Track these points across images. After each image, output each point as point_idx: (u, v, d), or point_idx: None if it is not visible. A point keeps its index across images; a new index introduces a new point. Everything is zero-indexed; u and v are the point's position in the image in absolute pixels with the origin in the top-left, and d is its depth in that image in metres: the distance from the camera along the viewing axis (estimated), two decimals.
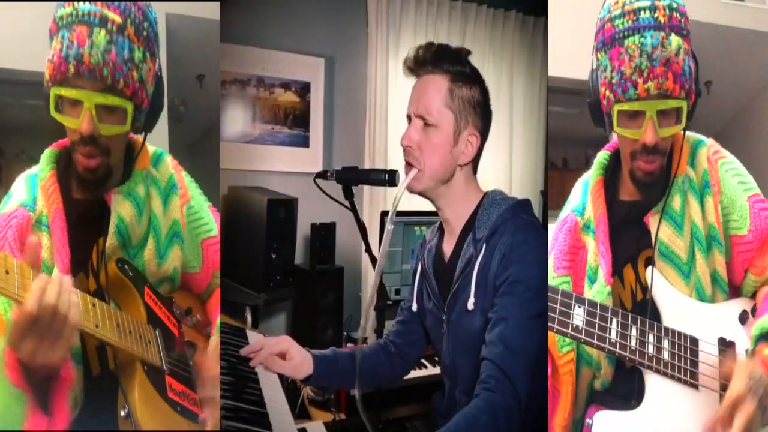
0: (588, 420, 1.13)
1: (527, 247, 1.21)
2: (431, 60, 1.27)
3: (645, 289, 1.21)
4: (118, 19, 0.99)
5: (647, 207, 1.22)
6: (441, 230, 1.40)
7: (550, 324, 1.12)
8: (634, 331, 1.13)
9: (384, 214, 2.54)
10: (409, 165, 1.29)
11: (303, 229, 2.48)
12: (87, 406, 1.03)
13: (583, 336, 1.11)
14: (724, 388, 1.11)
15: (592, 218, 1.24)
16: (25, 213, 1.03)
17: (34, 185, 1.07)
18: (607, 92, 1.13)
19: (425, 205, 1.66)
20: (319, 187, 1.46)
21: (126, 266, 1.10)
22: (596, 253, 1.21)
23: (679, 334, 1.15)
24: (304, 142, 2.78)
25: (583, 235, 1.26)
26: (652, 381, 1.13)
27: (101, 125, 1.00)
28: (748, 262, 1.22)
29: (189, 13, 2.49)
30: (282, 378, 1.59)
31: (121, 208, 1.09)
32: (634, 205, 1.24)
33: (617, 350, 1.12)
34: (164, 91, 1.14)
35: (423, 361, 2.27)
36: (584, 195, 1.28)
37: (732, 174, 1.22)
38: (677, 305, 1.18)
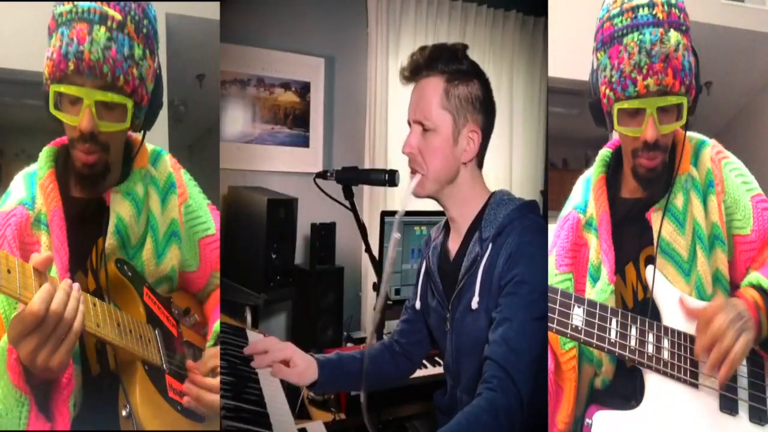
0: (588, 420, 1.13)
1: (534, 248, 1.20)
2: (425, 63, 1.27)
3: (646, 287, 1.21)
4: (118, 16, 0.99)
5: (649, 204, 1.22)
6: (446, 228, 1.40)
7: (549, 324, 1.12)
8: (633, 331, 1.13)
9: (384, 213, 2.54)
10: (413, 171, 1.29)
11: (303, 229, 2.48)
12: (88, 406, 1.03)
13: (582, 336, 1.11)
14: (726, 389, 1.11)
15: (595, 216, 1.24)
16: (24, 211, 1.03)
17: (33, 183, 1.07)
18: (607, 91, 1.13)
19: (425, 206, 1.66)
20: (319, 187, 1.46)
21: (125, 266, 1.09)
22: (598, 250, 1.21)
23: (679, 333, 1.15)
24: (304, 142, 2.78)
25: (585, 233, 1.26)
26: (652, 381, 1.13)
27: (101, 122, 1.00)
28: (751, 260, 1.22)
29: (189, 13, 2.49)
30: None
31: (120, 208, 1.09)
32: (636, 202, 1.25)
33: (617, 350, 1.12)
34: (164, 89, 1.14)
35: (423, 361, 2.27)
36: (586, 192, 1.28)
37: (735, 174, 1.22)
38: (677, 304, 1.18)
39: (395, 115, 2.85)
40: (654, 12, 1.10)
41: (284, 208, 2.30)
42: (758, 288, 1.13)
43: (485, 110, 1.29)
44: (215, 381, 1.08)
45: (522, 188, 3.28)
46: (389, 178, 1.41)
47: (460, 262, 1.29)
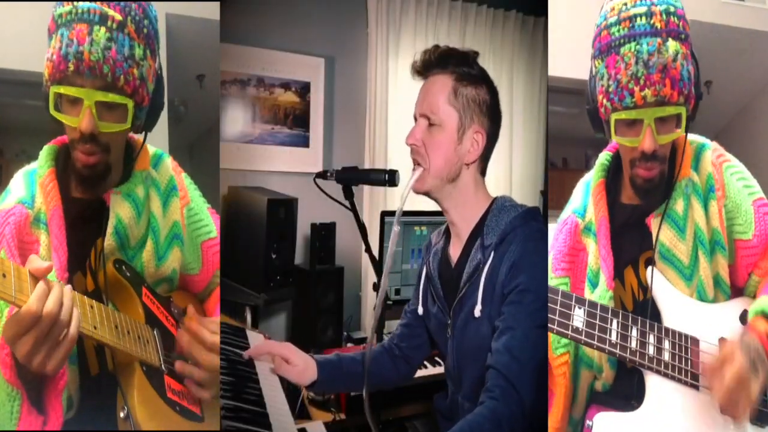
0: (588, 421, 1.13)
1: (537, 257, 1.20)
2: (437, 61, 1.28)
3: (646, 290, 1.20)
4: (118, 16, 0.99)
5: (649, 210, 1.21)
6: (447, 234, 1.39)
7: (550, 325, 1.12)
8: (634, 332, 1.13)
9: (384, 213, 2.54)
10: (416, 164, 1.29)
11: (303, 229, 2.48)
12: (86, 408, 1.03)
13: (583, 337, 1.11)
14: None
15: (594, 221, 1.23)
16: (23, 210, 1.03)
17: (33, 182, 1.06)
18: (605, 101, 1.12)
19: (425, 205, 1.66)
20: (319, 187, 1.45)
21: (123, 267, 1.09)
22: (597, 256, 1.21)
23: (680, 334, 1.15)
24: (304, 142, 2.78)
25: (584, 237, 1.25)
26: (653, 382, 1.13)
27: (101, 123, 1.00)
28: (753, 265, 1.22)
29: (189, 13, 2.49)
30: (282, 378, 1.59)
31: (120, 209, 1.09)
32: (635, 208, 1.24)
33: (617, 351, 1.11)
34: (164, 89, 1.14)
35: (423, 362, 2.27)
36: (585, 196, 1.28)
37: (737, 178, 1.21)
38: (678, 305, 1.18)
39: (395, 115, 2.85)
40: (652, 21, 1.08)
41: (284, 208, 2.30)
42: (765, 314, 1.11)
43: (491, 116, 1.30)
44: (215, 338, 1.07)
45: (522, 188, 3.28)
46: (389, 178, 1.41)
47: (461, 269, 1.28)
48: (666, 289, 1.19)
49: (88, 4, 0.98)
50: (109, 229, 1.07)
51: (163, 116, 1.15)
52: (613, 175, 1.28)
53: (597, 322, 1.12)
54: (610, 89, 1.10)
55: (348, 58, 2.87)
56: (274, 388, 1.53)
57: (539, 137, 3.38)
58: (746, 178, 1.22)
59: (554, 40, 2.35)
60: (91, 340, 1.00)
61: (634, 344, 1.12)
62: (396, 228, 1.28)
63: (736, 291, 1.25)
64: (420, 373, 2.21)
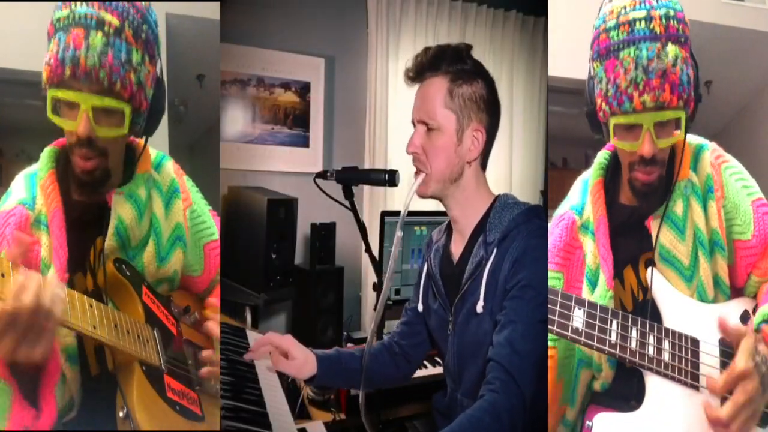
0: (588, 422, 1.13)
1: (540, 253, 1.20)
2: (429, 64, 1.27)
3: (646, 290, 1.20)
4: (115, 21, 0.99)
5: (648, 212, 1.21)
6: (448, 231, 1.39)
7: (549, 326, 1.12)
8: (634, 333, 1.13)
9: (384, 213, 2.54)
10: (418, 171, 1.29)
11: (303, 229, 2.48)
12: (86, 407, 1.03)
13: (582, 338, 1.11)
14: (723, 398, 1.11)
15: (592, 219, 1.23)
16: (24, 211, 1.03)
17: (34, 184, 1.07)
18: (603, 104, 1.12)
19: (425, 206, 1.65)
20: (319, 187, 1.46)
21: (123, 266, 1.09)
22: (596, 255, 1.21)
23: (680, 335, 1.15)
24: (304, 142, 2.78)
25: (581, 235, 1.25)
26: (653, 382, 1.13)
27: (98, 127, 1.00)
28: (752, 266, 1.22)
29: (189, 13, 2.49)
30: (282, 378, 1.59)
31: (122, 210, 1.09)
32: (635, 209, 1.24)
33: (617, 352, 1.11)
34: (165, 94, 1.13)
35: (423, 360, 2.27)
36: (584, 194, 1.27)
37: (736, 178, 1.21)
38: (678, 306, 1.18)
39: (395, 115, 2.85)
40: (651, 26, 1.07)
41: (284, 208, 2.30)
42: None
43: (489, 110, 1.29)
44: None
45: (522, 188, 3.28)
46: (389, 178, 1.41)
47: (463, 266, 1.28)
48: (666, 290, 1.19)
49: (85, 9, 0.98)
50: (110, 230, 1.07)
51: (163, 116, 1.15)
52: (612, 174, 1.28)
53: (597, 322, 1.12)
54: (609, 94, 1.10)
55: (348, 58, 2.87)
56: (274, 388, 1.53)
57: (539, 137, 3.38)
58: (745, 178, 1.22)
59: (554, 40, 2.35)
60: (90, 340, 1.00)
61: (633, 345, 1.12)
62: (399, 234, 1.28)
63: (736, 291, 1.25)
64: (420, 373, 2.22)
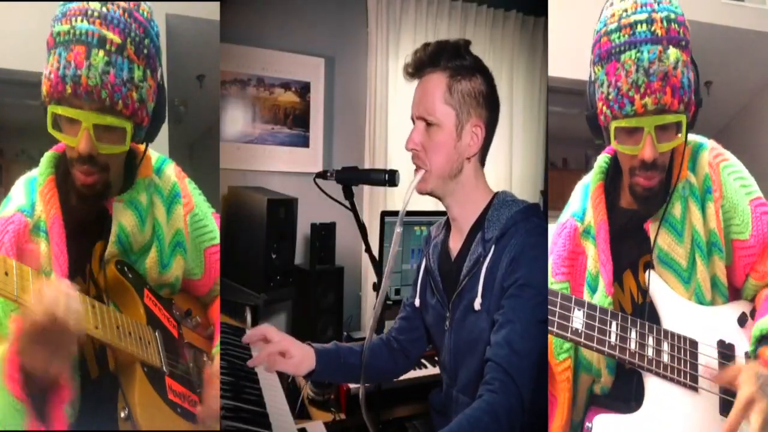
0: (588, 423, 1.13)
1: (537, 251, 1.20)
2: (429, 59, 1.27)
3: (644, 293, 1.20)
4: (117, 39, 0.97)
5: (647, 216, 1.21)
6: (447, 227, 1.39)
7: (549, 327, 1.12)
8: (633, 334, 1.13)
9: (384, 213, 2.54)
10: (417, 168, 1.29)
11: (303, 229, 2.48)
12: (87, 408, 1.03)
13: (582, 339, 1.11)
14: (725, 391, 1.11)
15: (593, 224, 1.23)
16: (23, 218, 1.02)
17: (33, 190, 1.06)
18: (604, 108, 1.11)
19: (425, 205, 1.65)
20: (319, 187, 1.46)
21: (125, 268, 1.09)
22: (596, 260, 1.21)
23: (679, 336, 1.15)
24: (304, 142, 2.78)
25: (583, 241, 1.25)
26: (652, 384, 1.13)
27: (100, 144, 0.99)
28: (750, 266, 1.22)
29: (189, 13, 2.49)
30: (282, 378, 1.59)
31: (123, 217, 1.08)
32: (635, 213, 1.24)
33: (617, 353, 1.12)
34: (165, 101, 1.12)
35: (423, 360, 2.27)
36: (584, 199, 1.27)
37: (734, 177, 1.21)
38: (676, 309, 1.18)
39: (395, 115, 2.85)
40: (653, 29, 1.07)
41: (284, 208, 2.30)
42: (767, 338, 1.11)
43: (488, 105, 1.29)
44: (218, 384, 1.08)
45: (522, 188, 3.28)
46: (389, 178, 1.41)
47: (461, 262, 1.28)
48: (665, 293, 1.19)
49: (86, 25, 0.96)
50: (112, 238, 1.07)
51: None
52: (612, 178, 1.27)
53: (596, 324, 1.12)
54: (610, 97, 1.09)
55: (348, 58, 2.87)
56: (274, 388, 1.53)
57: (539, 137, 3.38)
58: (744, 177, 1.22)
59: (554, 40, 2.35)
60: (91, 341, 1.00)
61: (633, 346, 1.12)
62: (398, 230, 1.28)
63: (734, 291, 1.25)
64: (420, 373, 2.22)
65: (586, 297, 1.21)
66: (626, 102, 1.07)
